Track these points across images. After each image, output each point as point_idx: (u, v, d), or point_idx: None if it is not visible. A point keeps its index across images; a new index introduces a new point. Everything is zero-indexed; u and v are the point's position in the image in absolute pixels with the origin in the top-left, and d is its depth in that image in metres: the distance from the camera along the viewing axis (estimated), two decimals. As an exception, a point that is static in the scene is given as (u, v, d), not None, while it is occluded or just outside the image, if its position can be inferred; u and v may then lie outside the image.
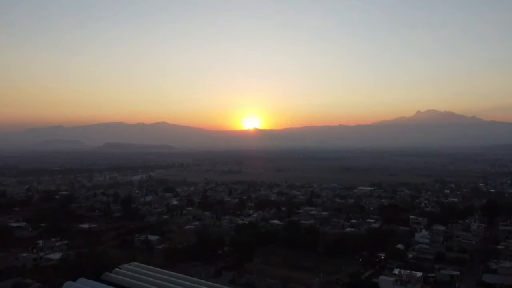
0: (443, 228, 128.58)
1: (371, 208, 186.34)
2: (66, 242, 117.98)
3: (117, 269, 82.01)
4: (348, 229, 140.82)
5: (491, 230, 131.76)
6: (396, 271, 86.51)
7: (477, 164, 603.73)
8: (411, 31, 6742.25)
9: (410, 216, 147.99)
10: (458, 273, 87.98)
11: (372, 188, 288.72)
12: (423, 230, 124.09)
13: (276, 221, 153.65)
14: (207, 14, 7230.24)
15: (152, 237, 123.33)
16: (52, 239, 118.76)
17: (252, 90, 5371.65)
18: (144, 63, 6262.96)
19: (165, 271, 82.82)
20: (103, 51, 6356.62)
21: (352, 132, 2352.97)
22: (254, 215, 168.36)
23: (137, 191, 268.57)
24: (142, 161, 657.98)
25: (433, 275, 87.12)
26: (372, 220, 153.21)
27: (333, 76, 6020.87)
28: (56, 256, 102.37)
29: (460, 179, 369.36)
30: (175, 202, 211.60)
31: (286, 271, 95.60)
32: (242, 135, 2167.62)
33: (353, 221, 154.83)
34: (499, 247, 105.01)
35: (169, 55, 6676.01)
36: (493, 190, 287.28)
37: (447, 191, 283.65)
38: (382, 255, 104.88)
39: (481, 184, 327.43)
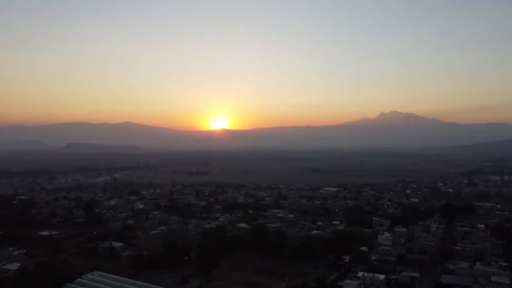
0: (405, 229, 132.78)
1: (337, 210, 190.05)
2: (25, 251, 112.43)
3: (79, 279, 79.23)
4: (314, 232, 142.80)
5: (449, 231, 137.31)
6: (360, 274, 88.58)
7: (436, 164, 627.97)
8: (375, 36, 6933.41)
9: (374, 218, 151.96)
10: (418, 274, 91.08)
11: (337, 189, 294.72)
12: (386, 232, 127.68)
13: (243, 225, 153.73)
14: (175, 14, 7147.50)
15: (116, 244, 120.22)
16: (9, 248, 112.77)
17: (221, 91, 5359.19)
18: (109, 61, 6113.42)
19: (130, 280, 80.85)
20: (66, 48, 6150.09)
21: (319, 133, 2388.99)
22: (222, 219, 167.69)
23: (100, 194, 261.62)
24: (106, 162, 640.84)
25: (395, 277, 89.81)
26: (337, 222, 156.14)
27: (300, 78, 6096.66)
28: (14, 266, 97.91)
29: (421, 179, 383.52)
30: (140, 206, 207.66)
31: (253, 276, 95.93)
32: (210, 136, 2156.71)
33: (319, 223, 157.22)
34: (456, 248, 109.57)
35: (135, 54, 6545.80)
36: (451, 190, 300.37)
37: (408, 191, 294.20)
38: (347, 258, 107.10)
39: (440, 184, 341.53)
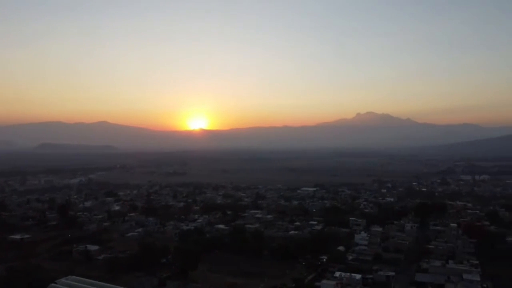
0: (380, 229, 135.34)
1: (314, 210, 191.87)
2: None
3: (52, 284, 77.55)
4: (292, 232, 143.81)
5: (423, 230, 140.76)
6: (337, 274, 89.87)
7: (411, 164, 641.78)
8: (352, 38, 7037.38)
9: (350, 218, 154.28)
10: (393, 273, 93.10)
11: (315, 189, 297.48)
12: (362, 232, 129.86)
13: (221, 226, 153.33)
14: (153, 12, 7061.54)
15: (92, 247, 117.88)
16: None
17: (198, 90, 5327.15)
18: (85, 60, 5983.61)
19: (106, 284, 79.59)
20: (39, 45, 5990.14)
21: (296, 133, 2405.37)
22: (200, 220, 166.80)
23: (75, 196, 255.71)
24: (81, 163, 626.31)
25: (371, 276, 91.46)
26: (315, 223, 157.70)
27: (278, 78, 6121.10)
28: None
29: (396, 178, 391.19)
30: (116, 208, 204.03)
31: (232, 278, 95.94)
32: (188, 136, 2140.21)
33: (297, 223, 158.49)
34: (430, 246, 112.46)
35: (112, 52, 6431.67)
36: (425, 189, 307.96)
37: (384, 190, 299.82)
38: (324, 258, 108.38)
39: (414, 184, 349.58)
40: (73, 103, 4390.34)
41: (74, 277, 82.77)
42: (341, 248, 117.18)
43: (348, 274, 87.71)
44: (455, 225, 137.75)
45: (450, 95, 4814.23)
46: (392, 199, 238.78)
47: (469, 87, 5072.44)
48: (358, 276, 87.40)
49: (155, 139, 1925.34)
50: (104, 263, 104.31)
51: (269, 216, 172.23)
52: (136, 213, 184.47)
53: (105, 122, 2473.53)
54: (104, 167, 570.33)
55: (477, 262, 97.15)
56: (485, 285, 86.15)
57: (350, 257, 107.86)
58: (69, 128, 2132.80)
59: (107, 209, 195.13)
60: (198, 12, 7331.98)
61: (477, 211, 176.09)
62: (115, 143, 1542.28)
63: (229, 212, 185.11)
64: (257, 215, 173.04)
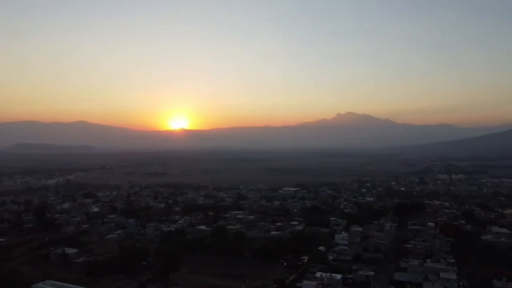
0: (360, 229, 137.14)
1: (295, 211, 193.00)
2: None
3: (29, 289, 75.98)
4: (273, 233, 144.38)
5: (402, 229, 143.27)
6: (318, 274, 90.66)
7: (390, 164, 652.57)
8: (331, 39, 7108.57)
9: (331, 218, 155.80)
10: (373, 273, 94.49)
11: (296, 189, 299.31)
12: (343, 232, 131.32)
13: (203, 227, 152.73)
14: (134, 11, 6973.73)
15: (70, 250, 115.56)
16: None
17: (179, 90, 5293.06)
18: (63, 58, 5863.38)
19: (85, 288, 78.50)
20: (14, 44, 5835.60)
21: (277, 133, 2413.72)
22: (181, 221, 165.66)
23: (52, 198, 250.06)
24: (59, 164, 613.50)
25: (351, 276, 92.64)
26: (296, 223, 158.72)
27: (259, 78, 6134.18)
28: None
29: (376, 178, 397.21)
30: (95, 209, 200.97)
31: (213, 280, 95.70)
32: (169, 136, 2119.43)
33: (278, 224, 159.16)
34: (408, 246, 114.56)
35: (91, 51, 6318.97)
36: (404, 189, 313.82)
37: (364, 190, 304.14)
38: (305, 258, 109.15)
39: (393, 183, 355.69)
40: (50, 102, 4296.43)
41: (51, 281, 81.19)
42: (322, 248, 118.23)
43: (329, 274, 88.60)
44: (432, 224, 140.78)
45: (427, 96, 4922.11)
46: (371, 199, 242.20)
47: (446, 88, 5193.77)
48: (338, 276, 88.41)
49: (135, 139, 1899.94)
50: (83, 267, 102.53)
51: (250, 217, 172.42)
52: (116, 215, 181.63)
53: (83, 122, 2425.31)
54: (82, 167, 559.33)
55: (453, 260, 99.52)
56: (461, 283, 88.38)
57: (331, 257, 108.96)
58: (46, 128, 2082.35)
59: (86, 211, 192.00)
60: (179, 12, 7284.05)
61: (454, 210, 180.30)
62: (94, 143, 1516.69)
63: (210, 213, 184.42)
64: (238, 216, 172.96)
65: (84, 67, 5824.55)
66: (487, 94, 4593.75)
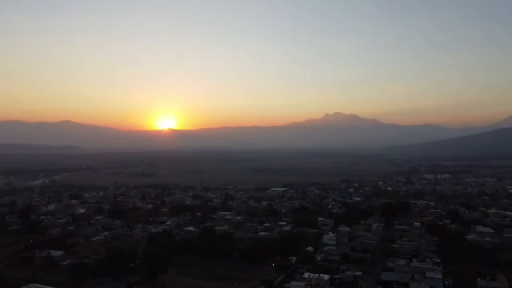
0: (348, 229, 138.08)
1: (283, 211, 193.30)
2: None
3: (13, 293, 74.62)
4: (261, 233, 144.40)
5: (389, 229, 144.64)
6: (306, 275, 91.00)
7: (377, 163, 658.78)
8: (319, 39, 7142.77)
9: (319, 219, 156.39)
10: (360, 273, 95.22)
11: (284, 189, 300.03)
12: (330, 233, 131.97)
13: (191, 228, 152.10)
14: (121, 9, 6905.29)
15: (55, 253, 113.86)
16: None
17: (168, 90, 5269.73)
18: (48, 57, 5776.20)
19: (71, 291, 77.39)
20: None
21: (266, 133, 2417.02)
22: (169, 222, 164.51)
23: (37, 199, 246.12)
24: (44, 164, 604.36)
25: (339, 276, 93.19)
26: (284, 223, 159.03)
27: (248, 78, 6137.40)
28: None
29: (363, 178, 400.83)
30: (82, 211, 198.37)
31: (201, 282, 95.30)
32: (156, 136, 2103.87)
33: (266, 224, 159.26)
34: (395, 246, 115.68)
35: (77, 50, 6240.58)
36: (390, 189, 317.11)
37: (351, 190, 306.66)
38: (294, 259, 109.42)
39: (380, 183, 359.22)
40: (35, 101, 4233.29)
41: (36, 285, 79.84)
42: (310, 248, 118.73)
43: (317, 275, 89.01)
44: (418, 224, 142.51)
45: (414, 97, 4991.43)
46: (359, 199, 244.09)
47: (432, 89, 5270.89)
48: (326, 277, 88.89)
49: (122, 139, 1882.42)
50: (69, 269, 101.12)
51: (238, 218, 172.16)
52: (102, 216, 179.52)
53: (69, 122, 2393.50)
54: (68, 168, 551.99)
55: (439, 260, 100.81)
56: (446, 282, 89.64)
57: (319, 258, 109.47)
58: (31, 128, 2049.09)
59: (72, 213, 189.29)
60: (167, 11, 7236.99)
61: (439, 210, 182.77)
62: (80, 143, 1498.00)
63: (198, 214, 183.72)
64: (226, 217, 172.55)
65: (70, 66, 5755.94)
66: (471, 95, 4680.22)
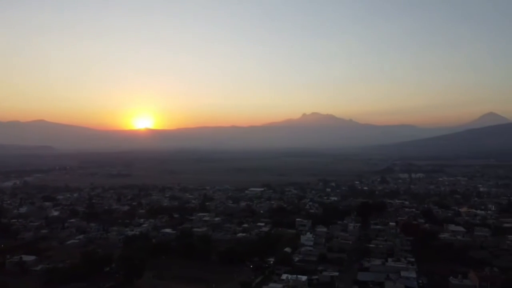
0: (325, 229, 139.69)
1: (262, 212, 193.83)
2: None
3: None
4: (240, 235, 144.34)
5: (365, 229, 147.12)
6: (284, 276, 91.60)
7: (353, 163, 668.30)
8: (297, 39, 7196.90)
9: (297, 219, 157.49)
10: (337, 273, 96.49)
11: (262, 189, 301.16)
12: (308, 233, 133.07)
13: (168, 230, 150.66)
14: (96, 6, 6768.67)
15: (28, 258, 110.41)
16: None
17: (144, 88, 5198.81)
18: (21, 55, 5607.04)
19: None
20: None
21: (244, 133, 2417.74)
22: (145, 225, 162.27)
23: (9, 201, 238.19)
24: (16, 165, 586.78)
25: (316, 277, 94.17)
26: (262, 224, 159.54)
27: (226, 78, 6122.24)
28: None
29: (340, 177, 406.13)
30: (55, 213, 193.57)
31: (179, 285, 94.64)
32: (133, 135, 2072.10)
33: (245, 225, 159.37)
34: (370, 246, 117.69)
35: (51, 48, 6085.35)
36: (366, 188, 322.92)
37: (328, 189, 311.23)
38: (272, 260, 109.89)
39: (356, 183, 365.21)
40: (7, 100, 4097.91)
41: (7, 292, 77.59)
42: (287, 249, 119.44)
43: (295, 276, 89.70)
44: (393, 224, 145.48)
45: (389, 98, 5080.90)
46: (336, 198, 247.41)
47: (406, 90, 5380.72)
48: (303, 278, 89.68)
49: (97, 139, 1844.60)
50: (42, 275, 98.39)
51: (217, 219, 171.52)
52: (77, 219, 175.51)
53: (42, 121, 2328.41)
54: (42, 169, 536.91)
55: (413, 259, 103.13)
56: (420, 281, 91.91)
57: (297, 258, 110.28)
58: (2, 127, 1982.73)
59: (45, 215, 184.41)
60: (143, 8, 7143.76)
61: (414, 209, 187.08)
62: (54, 143, 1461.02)
63: (176, 215, 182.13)
64: (204, 218, 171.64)
65: (43, 64, 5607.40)
66: (446, 95, 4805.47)
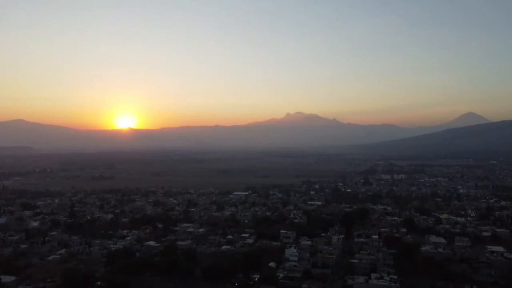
0: (309, 242, 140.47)
1: (246, 221, 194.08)
2: None
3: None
4: (224, 247, 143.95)
5: (348, 241, 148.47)
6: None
7: (337, 163, 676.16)
8: (281, 40, 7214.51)
9: (281, 231, 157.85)
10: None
11: (247, 193, 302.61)
12: (292, 247, 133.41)
13: (152, 243, 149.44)
14: (78, 4, 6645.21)
15: (6, 278, 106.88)
16: None
17: (127, 88, 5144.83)
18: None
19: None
20: None
21: (228, 132, 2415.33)
22: (129, 237, 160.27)
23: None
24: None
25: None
26: (247, 235, 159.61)
27: (209, 78, 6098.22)
28: None
29: (323, 178, 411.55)
30: (35, 224, 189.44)
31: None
32: (115, 135, 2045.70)
33: (229, 237, 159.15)
34: (354, 261, 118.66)
35: (28, 44, 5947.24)
36: (350, 190, 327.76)
37: (312, 192, 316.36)
38: (256, 277, 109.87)
39: (340, 184, 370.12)
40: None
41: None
42: (272, 264, 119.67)
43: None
44: (376, 237, 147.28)
45: (371, 98, 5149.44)
46: (320, 203, 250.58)
47: (388, 90, 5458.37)
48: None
49: (78, 139, 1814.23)
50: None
51: (201, 230, 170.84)
52: (58, 231, 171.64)
53: (21, 121, 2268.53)
54: (20, 171, 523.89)
55: (395, 277, 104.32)
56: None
57: (281, 275, 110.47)
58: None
59: (25, 227, 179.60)
60: (126, 8, 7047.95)
61: (396, 218, 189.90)
62: (34, 143, 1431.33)
63: (160, 225, 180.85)
64: (189, 229, 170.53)
65: (21, 61, 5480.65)
66: (426, 95, 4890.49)
